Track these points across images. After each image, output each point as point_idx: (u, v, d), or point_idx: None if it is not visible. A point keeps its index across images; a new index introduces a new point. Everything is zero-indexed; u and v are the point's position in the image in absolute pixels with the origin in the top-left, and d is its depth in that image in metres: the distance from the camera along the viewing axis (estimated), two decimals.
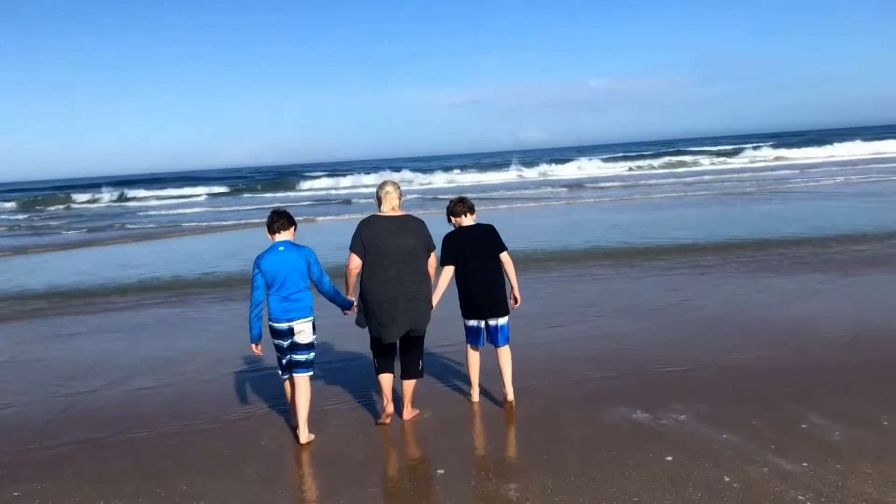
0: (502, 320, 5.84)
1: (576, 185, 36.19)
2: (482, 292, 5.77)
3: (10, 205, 47.44)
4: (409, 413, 5.78)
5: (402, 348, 5.68)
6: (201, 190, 49.87)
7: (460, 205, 5.94)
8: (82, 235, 25.27)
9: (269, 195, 44.50)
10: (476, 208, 6.05)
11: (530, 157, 79.06)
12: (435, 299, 5.72)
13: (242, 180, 59.46)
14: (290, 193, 44.99)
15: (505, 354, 5.86)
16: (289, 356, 5.44)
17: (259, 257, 5.41)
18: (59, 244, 22.50)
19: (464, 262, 5.78)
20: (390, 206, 5.56)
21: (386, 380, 5.71)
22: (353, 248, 5.49)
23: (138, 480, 4.87)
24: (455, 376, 6.80)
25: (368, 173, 52.34)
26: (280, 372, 5.60)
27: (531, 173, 49.27)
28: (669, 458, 4.70)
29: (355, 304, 5.64)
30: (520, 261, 12.33)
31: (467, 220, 5.94)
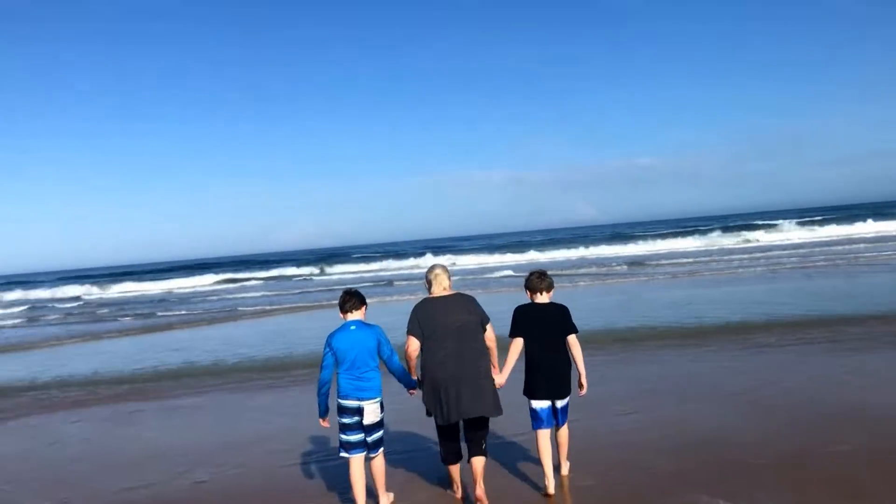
0: (566, 401, 5.76)
1: (637, 262, 35.46)
2: (551, 372, 5.64)
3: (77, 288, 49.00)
4: (481, 489, 5.43)
5: (468, 429, 5.50)
6: (260, 274, 50.70)
7: (539, 280, 5.85)
8: (136, 322, 25.67)
9: (318, 278, 45.04)
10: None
11: (582, 233, 78.75)
12: (505, 373, 5.61)
13: (294, 263, 60.28)
14: (341, 276, 45.37)
15: (565, 435, 5.87)
16: (361, 436, 5.44)
17: (331, 336, 5.47)
18: (120, 330, 22.86)
19: (534, 339, 5.68)
20: (441, 287, 5.58)
21: (455, 470, 5.66)
22: (411, 331, 5.46)
23: None
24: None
25: (418, 256, 52.74)
26: (343, 451, 5.52)
27: (590, 251, 48.34)
28: None
29: (419, 384, 5.58)
30: (584, 340, 11.84)
31: (542, 298, 5.83)
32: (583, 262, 38.47)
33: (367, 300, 5.81)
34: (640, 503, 5.36)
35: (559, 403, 5.73)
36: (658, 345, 12.04)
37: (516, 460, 6.59)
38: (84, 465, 7.72)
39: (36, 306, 38.14)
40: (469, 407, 5.30)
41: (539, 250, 51.35)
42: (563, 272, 30.43)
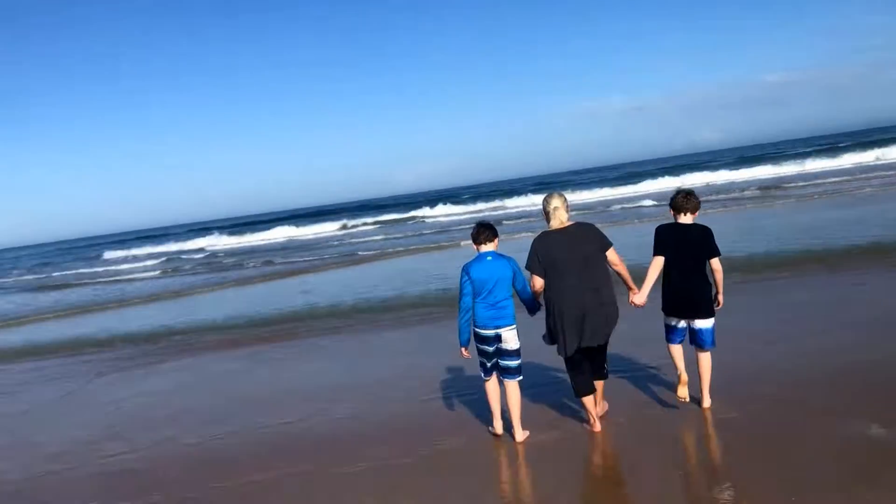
0: (706, 323, 5.68)
1: (769, 185, 33.54)
2: (689, 292, 5.65)
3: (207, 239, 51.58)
4: (602, 408, 5.88)
5: (592, 354, 5.64)
6: (379, 218, 51.43)
7: (684, 200, 5.74)
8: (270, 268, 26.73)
9: (431, 220, 45.14)
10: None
11: (708, 158, 75.48)
12: (644, 291, 5.63)
13: (406, 206, 60.58)
14: (458, 216, 45.18)
15: (706, 360, 5.75)
16: (495, 360, 5.72)
17: (468, 266, 5.69)
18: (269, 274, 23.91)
19: (672, 259, 5.65)
20: (559, 221, 5.55)
21: (589, 401, 5.69)
22: (532, 269, 5.56)
23: None
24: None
25: (536, 191, 51.50)
26: (483, 374, 5.86)
27: (717, 175, 45.61)
28: None
29: (540, 309, 5.78)
30: (733, 268, 11.36)
31: (686, 218, 5.75)
32: (709, 188, 36.72)
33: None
34: (790, 435, 5.08)
35: (697, 325, 5.68)
36: (796, 271, 11.39)
37: (653, 386, 6.48)
38: (231, 403, 8.11)
39: (170, 258, 40.42)
40: (592, 336, 5.42)
41: (661, 177, 49.10)
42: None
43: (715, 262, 5.63)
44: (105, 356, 12.20)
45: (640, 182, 48.16)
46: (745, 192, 31.29)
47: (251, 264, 28.77)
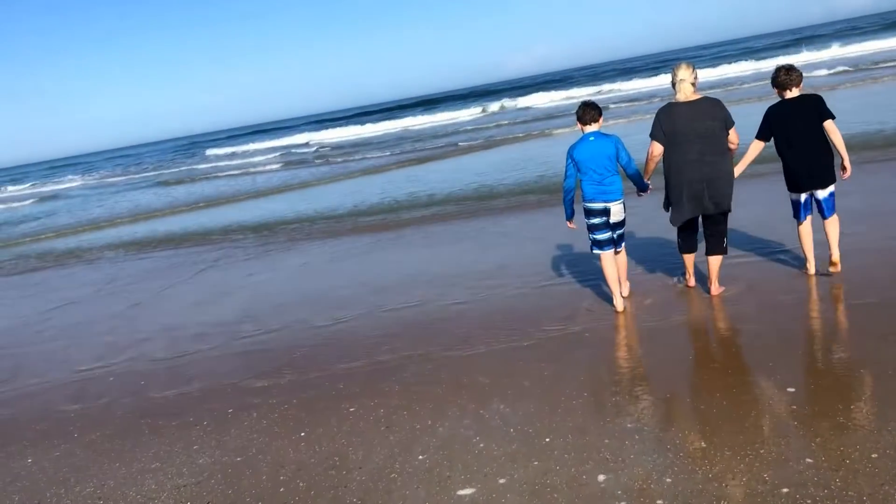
0: (827, 191, 5.79)
1: None
2: (805, 164, 5.74)
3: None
4: (716, 289, 6.08)
5: (707, 227, 5.92)
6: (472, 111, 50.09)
7: (786, 75, 5.82)
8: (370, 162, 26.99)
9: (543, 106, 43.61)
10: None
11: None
12: (738, 170, 5.91)
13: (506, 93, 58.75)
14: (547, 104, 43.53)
15: (833, 225, 5.85)
16: (609, 234, 6.04)
17: (572, 148, 5.97)
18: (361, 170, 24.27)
19: (786, 136, 5.76)
20: (684, 94, 5.66)
21: (689, 258, 6.21)
22: (655, 136, 5.77)
23: (463, 399, 4.82)
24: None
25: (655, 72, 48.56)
26: (592, 248, 6.18)
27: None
28: None
29: (650, 188, 6.15)
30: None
31: (793, 93, 5.81)
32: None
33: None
34: None
35: (820, 194, 5.79)
36: None
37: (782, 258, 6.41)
38: (352, 288, 8.41)
39: (291, 151, 41.45)
40: (711, 204, 5.68)
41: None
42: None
43: (829, 124, 5.64)
44: (242, 243, 12.87)
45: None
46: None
47: (371, 155, 29.14)
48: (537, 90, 53.48)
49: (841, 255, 5.94)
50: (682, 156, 5.63)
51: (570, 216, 6.33)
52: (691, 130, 5.58)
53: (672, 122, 5.64)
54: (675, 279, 6.59)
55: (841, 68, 29.62)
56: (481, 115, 44.58)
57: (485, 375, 5.16)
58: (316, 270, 9.86)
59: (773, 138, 5.90)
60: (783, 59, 39.18)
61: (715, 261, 5.96)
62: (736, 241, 7.22)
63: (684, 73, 5.65)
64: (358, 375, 5.61)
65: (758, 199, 8.78)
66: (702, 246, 6.16)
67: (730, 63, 44.52)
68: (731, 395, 4.24)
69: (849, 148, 5.89)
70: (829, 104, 5.72)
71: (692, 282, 6.30)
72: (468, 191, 14.32)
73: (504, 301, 6.91)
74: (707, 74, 40.09)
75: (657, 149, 5.76)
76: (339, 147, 38.18)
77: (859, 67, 28.88)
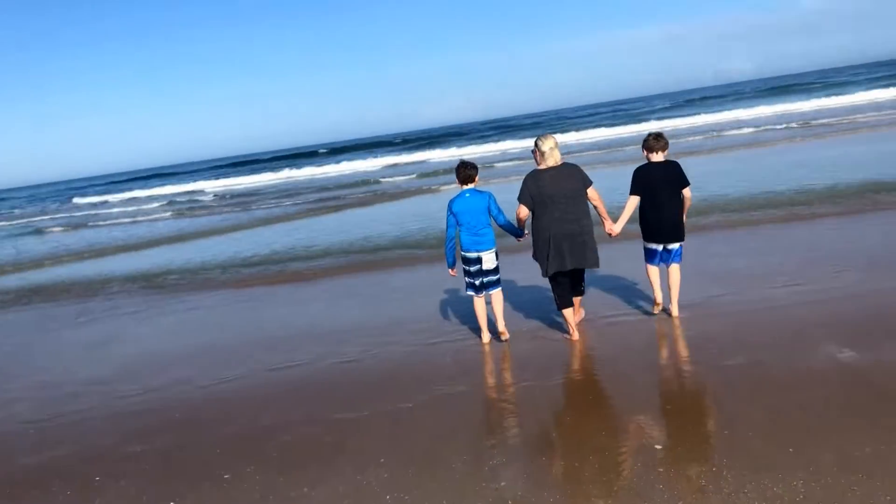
0: (678, 245, 6.68)
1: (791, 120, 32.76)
2: (666, 222, 6.56)
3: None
4: (577, 316, 6.92)
5: (573, 275, 6.63)
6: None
7: (655, 141, 6.59)
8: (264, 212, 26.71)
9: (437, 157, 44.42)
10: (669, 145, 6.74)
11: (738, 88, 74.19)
12: (620, 224, 6.63)
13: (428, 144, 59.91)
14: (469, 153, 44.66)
15: (676, 272, 6.75)
16: (480, 279, 6.83)
17: (451, 202, 6.76)
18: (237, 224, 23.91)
19: (651, 195, 6.54)
20: (554, 160, 6.38)
21: (568, 313, 6.68)
22: (522, 200, 6.42)
23: (342, 464, 4.73)
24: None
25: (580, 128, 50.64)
26: (469, 291, 6.95)
27: (749, 112, 44.16)
28: None
29: (527, 233, 6.75)
30: (745, 208, 11.17)
31: (658, 157, 6.59)
32: (737, 123, 35.89)
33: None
34: (790, 378, 5.01)
35: (671, 247, 6.67)
36: (821, 210, 11.15)
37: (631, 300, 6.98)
38: (239, 344, 8.19)
39: (185, 198, 40.25)
40: (575, 260, 6.36)
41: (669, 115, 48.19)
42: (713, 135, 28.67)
43: (686, 191, 6.59)
44: (125, 294, 12.35)
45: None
46: (772, 128, 30.58)
47: (266, 205, 28.71)
48: (440, 143, 54.54)
49: (712, 312, 6.60)
50: (548, 216, 6.31)
51: (451, 264, 7.01)
52: (557, 193, 6.27)
53: (538, 186, 6.33)
54: (563, 335, 6.85)
55: (746, 130, 31.50)
56: (384, 167, 44.66)
57: (368, 439, 5.09)
58: (202, 324, 9.57)
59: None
60: (656, 125, 42.16)
61: (576, 300, 6.80)
62: (610, 298, 7.55)
63: (551, 143, 6.42)
64: (237, 440, 5.43)
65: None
66: None
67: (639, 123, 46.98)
68: (603, 456, 4.33)
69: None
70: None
71: (576, 336, 6.69)
72: (360, 244, 14.22)
73: (395, 359, 6.88)
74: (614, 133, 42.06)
75: (523, 211, 6.46)
76: (236, 195, 37.38)
77: (720, 134, 30.80)
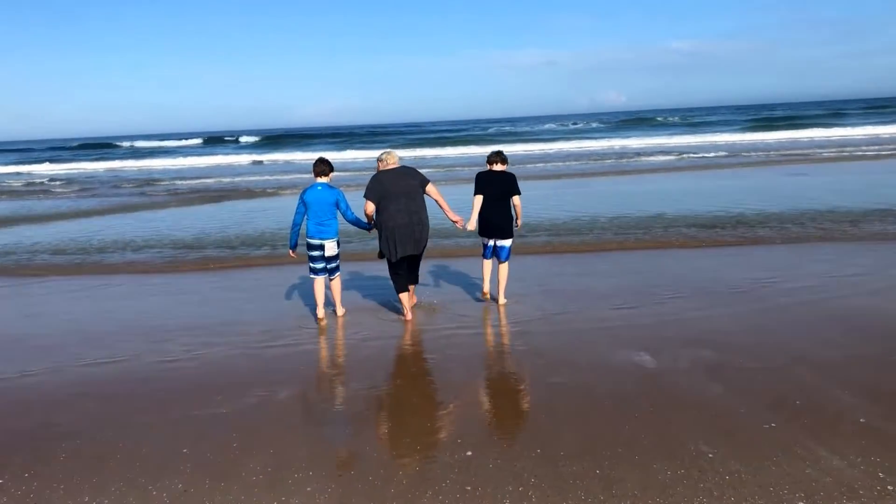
0: (507, 242, 7.80)
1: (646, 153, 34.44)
2: (496, 220, 7.67)
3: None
4: (412, 301, 7.78)
5: (410, 263, 7.50)
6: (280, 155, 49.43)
7: (495, 155, 7.90)
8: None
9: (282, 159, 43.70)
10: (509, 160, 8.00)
11: (608, 119, 77.67)
12: (472, 219, 7.66)
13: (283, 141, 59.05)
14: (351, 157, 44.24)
15: (505, 269, 7.91)
16: (323, 264, 7.61)
17: (303, 192, 7.55)
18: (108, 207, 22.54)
19: (487, 196, 7.64)
20: (392, 163, 7.41)
21: (404, 297, 7.55)
22: (368, 196, 7.30)
23: (135, 473, 4.33)
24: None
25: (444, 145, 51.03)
26: (311, 274, 7.70)
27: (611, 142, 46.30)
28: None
29: (373, 229, 7.53)
30: (571, 231, 11.45)
31: (498, 167, 7.79)
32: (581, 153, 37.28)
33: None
34: (617, 402, 5.06)
35: (500, 243, 7.75)
36: (683, 239, 11.61)
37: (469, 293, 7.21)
38: (57, 335, 7.55)
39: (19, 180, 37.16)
40: (414, 247, 7.30)
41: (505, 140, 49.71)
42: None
43: (516, 199, 7.72)
44: None
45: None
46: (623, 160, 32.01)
47: (107, 193, 27.09)
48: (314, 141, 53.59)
49: (547, 329, 6.67)
50: (390, 209, 7.18)
51: (293, 246, 7.83)
52: (396, 190, 7.20)
53: (381, 184, 7.24)
54: (399, 316, 7.65)
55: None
56: (249, 164, 42.91)
57: (170, 445, 4.69)
58: (19, 312, 8.76)
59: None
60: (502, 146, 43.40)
61: (411, 287, 7.65)
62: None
63: (391, 153, 7.57)
64: (23, 440, 4.88)
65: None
66: None
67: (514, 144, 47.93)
68: (413, 470, 4.17)
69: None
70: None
71: (409, 316, 7.52)
72: (208, 240, 13.62)
73: (219, 361, 6.47)
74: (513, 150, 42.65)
75: (370, 207, 7.29)
76: (74, 181, 33.78)
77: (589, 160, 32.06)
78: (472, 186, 7.76)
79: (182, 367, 6.37)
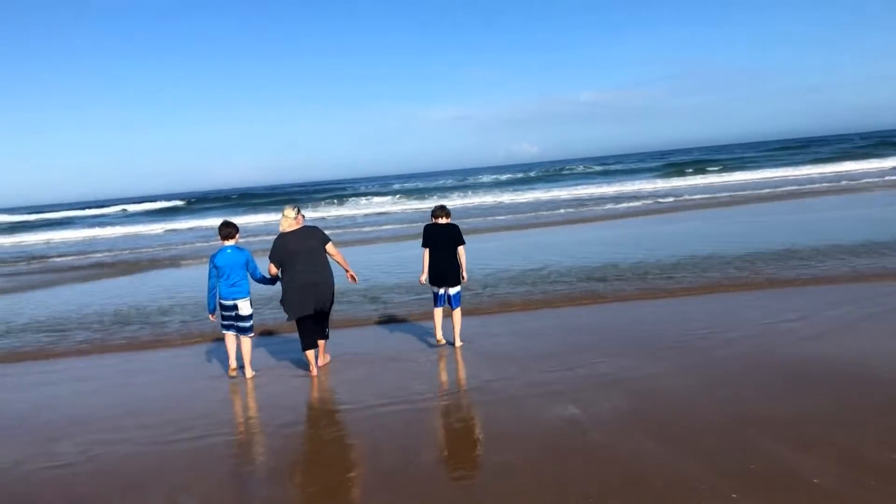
0: (455, 289, 8.27)
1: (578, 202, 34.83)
2: (444, 269, 8.19)
3: None
4: (322, 360, 8.04)
5: (316, 319, 7.75)
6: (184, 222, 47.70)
7: (440, 209, 8.52)
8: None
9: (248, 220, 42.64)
10: (452, 213, 8.77)
11: (522, 170, 79.37)
12: (423, 275, 8.29)
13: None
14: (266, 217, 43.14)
15: (457, 314, 8.34)
16: (235, 324, 7.82)
17: (213, 256, 7.82)
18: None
19: (434, 248, 8.25)
20: (288, 225, 7.69)
21: (310, 354, 7.77)
22: (272, 259, 7.68)
23: None
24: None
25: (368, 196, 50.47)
26: (223, 329, 7.92)
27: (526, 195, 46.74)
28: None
29: (278, 280, 7.83)
30: (516, 282, 11.12)
31: (442, 221, 8.41)
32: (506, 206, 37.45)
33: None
34: (569, 485, 4.58)
35: (451, 291, 8.24)
36: (608, 289, 11.34)
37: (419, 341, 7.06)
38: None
39: None
40: (318, 304, 7.62)
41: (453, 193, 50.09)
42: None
43: (461, 249, 8.30)
44: None
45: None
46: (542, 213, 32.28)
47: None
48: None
49: (482, 399, 6.13)
50: (293, 269, 7.53)
51: (212, 310, 7.96)
52: (299, 250, 7.54)
53: (284, 245, 7.59)
54: (308, 373, 7.79)
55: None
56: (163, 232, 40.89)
57: None
58: None
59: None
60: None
61: (321, 343, 7.93)
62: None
63: (290, 212, 7.75)
64: None
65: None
66: None
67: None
68: None
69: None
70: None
71: (315, 371, 7.73)
72: (103, 315, 12.64)
73: (116, 463, 5.67)
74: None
75: (272, 268, 7.71)
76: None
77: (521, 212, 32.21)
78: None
79: (73, 473, 5.55)
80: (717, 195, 31.46)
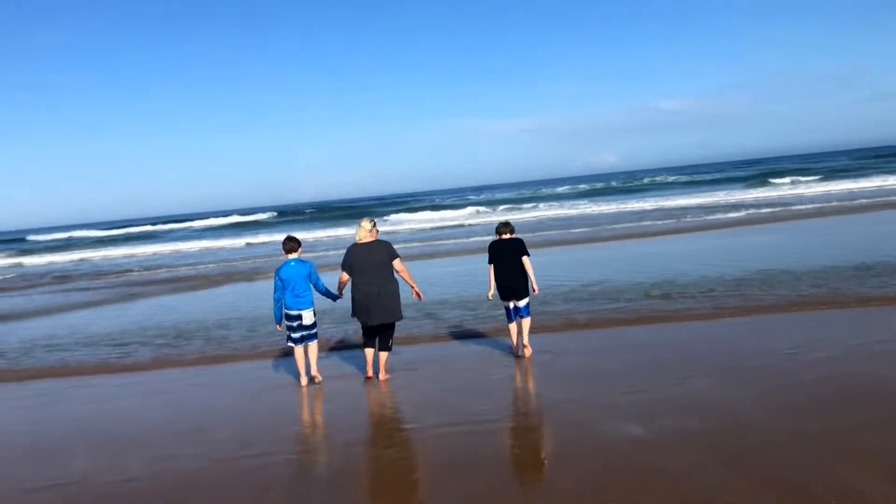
0: (523, 301, 8.46)
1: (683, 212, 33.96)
2: (510, 283, 8.43)
3: None
4: (383, 375, 8.19)
5: (381, 331, 8.09)
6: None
7: (503, 226, 8.77)
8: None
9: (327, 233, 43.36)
10: (516, 228, 9.03)
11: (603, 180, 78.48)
12: (490, 291, 8.62)
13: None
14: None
15: (526, 322, 8.54)
16: (300, 333, 8.14)
17: (278, 269, 8.16)
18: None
19: (500, 263, 8.51)
20: (363, 235, 8.02)
21: (369, 353, 8.24)
22: (343, 267, 8.05)
23: None
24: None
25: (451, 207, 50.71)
26: (290, 343, 8.26)
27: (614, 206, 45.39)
28: None
29: (339, 298, 8.33)
30: (599, 296, 10.81)
31: (506, 236, 8.67)
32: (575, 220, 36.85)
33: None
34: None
35: (520, 304, 8.45)
36: (692, 305, 10.89)
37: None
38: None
39: None
40: (380, 317, 7.89)
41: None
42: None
43: (525, 260, 8.45)
44: None
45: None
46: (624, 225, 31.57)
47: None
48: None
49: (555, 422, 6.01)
50: (359, 281, 7.89)
51: (278, 320, 8.28)
52: (368, 262, 7.87)
53: (354, 257, 7.96)
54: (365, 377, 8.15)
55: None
56: (243, 246, 41.62)
57: None
58: None
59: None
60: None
61: (383, 356, 8.19)
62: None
63: (366, 224, 8.07)
64: None
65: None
66: None
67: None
68: None
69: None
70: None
71: (370, 371, 8.17)
72: (175, 328, 12.87)
73: (180, 481, 5.64)
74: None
75: (344, 276, 8.07)
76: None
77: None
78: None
79: (137, 489, 5.56)
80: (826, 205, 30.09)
